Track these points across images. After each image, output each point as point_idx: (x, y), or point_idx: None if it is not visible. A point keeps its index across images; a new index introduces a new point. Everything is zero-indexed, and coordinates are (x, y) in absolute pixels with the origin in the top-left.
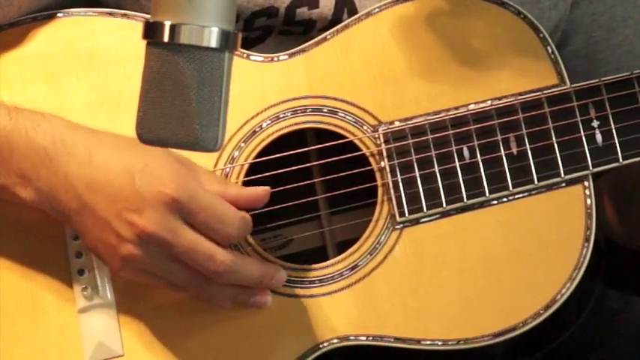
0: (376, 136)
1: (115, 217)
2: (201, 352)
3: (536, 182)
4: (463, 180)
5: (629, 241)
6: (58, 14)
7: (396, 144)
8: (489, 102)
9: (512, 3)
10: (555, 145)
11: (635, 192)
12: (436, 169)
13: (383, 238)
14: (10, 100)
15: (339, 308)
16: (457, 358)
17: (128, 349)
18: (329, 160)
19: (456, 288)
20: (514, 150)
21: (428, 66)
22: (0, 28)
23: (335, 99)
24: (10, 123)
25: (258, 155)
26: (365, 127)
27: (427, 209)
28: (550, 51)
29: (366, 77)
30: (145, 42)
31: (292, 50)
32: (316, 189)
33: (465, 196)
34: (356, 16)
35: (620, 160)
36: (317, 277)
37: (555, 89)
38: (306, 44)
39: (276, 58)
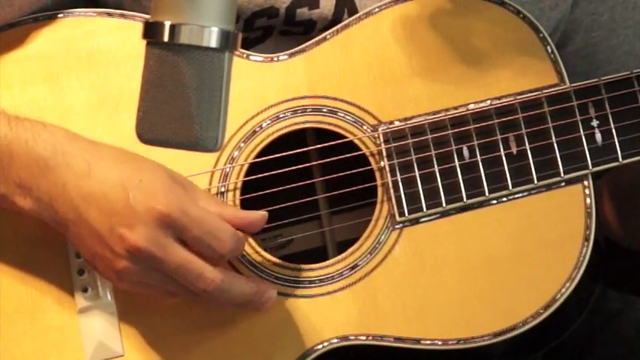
0: (376, 135)
1: (108, 231)
2: (201, 352)
3: (535, 182)
4: (463, 180)
5: (631, 242)
6: (59, 15)
7: (396, 144)
8: (489, 101)
9: (512, 3)
10: (555, 145)
11: (634, 192)
12: (436, 168)
13: (383, 237)
14: (11, 101)
15: (338, 308)
16: (457, 358)
17: (128, 349)
18: (329, 160)
19: (455, 287)
20: (514, 149)
21: (428, 66)
22: (0, 29)
23: (335, 99)
24: (10, 132)
25: (258, 155)
26: (365, 127)
27: (427, 209)
28: (550, 50)
29: (366, 77)
30: (144, 42)
31: (292, 50)
32: (316, 189)
33: (464, 195)
34: (356, 15)
35: (620, 159)
36: (317, 276)
37: (555, 89)
38: (306, 44)
39: (275, 58)
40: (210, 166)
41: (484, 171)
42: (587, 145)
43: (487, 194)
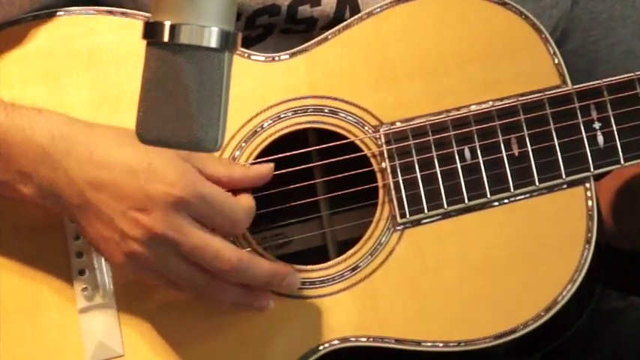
0: (377, 136)
1: (120, 214)
2: (201, 353)
3: (537, 183)
4: (464, 181)
5: (622, 242)
6: (59, 13)
7: (397, 145)
8: (491, 103)
9: (514, 3)
10: (557, 147)
11: (629, 193)
12: (437, 170)
13: (384, 239)
14: (11, 99)
15: (339, 309)
16: (457, 358)
17: (128, 349)
18: (330, 160)
19: (457, 289)
20: (515, 151)
21: (429, 66)
22: (0, 27)
23: (336, 99)
24: (6, 120)
25: (259, 155)
26: (366, 128)
27: (428, 210)
28: (552, 52)
29: (368, 77)
30: (144, 42)
31: (293, 50)
32: (317, 189)
33: (466, 197)
34: (357, 15)
35: (622, 161)
36: (317, 278)
37: (557, 90)
38: (308, 44)
39: (277, 58)
40: None
41: (486, 172)
42: (589, 147)
43: (489, 196)
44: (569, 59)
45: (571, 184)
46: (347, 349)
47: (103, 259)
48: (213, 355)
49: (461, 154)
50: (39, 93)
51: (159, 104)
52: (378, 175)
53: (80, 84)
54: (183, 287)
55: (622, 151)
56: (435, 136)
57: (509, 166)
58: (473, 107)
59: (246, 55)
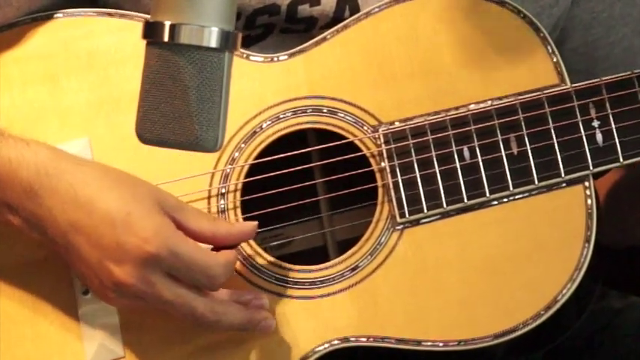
0: (376, 136)
1: (97, 262)
2: (201, 354)
3: (536, 182)
4: (463, 180)
5: (617, 242)
6: (57, 15)
7: (397, 144)
8: (490, 102)
9: (513, 2)
10: (556, 145)
11: (622, 193)
12: (436, 169)
13: (383, 239)
14: (11, 101)
15: (339, 309)
16: (458, 359)
17: (129, 351)
18: (329, 160)
19: (456, 289)
20: (514, 150)
21: (428, 66)
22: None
23: (335, 99)
24: None
25: (259, 156)
26: (365, 128)
27: (427, 210)
28: (550, 50)
29: (366, 77)
30: (144, 42)
31: (292, 50)
32: (317, 189)
33: (465, 196)
34: (355, 15)
35: (621, 160)
36: (317, 278)
37: (556, 89)
38: (306, 44)
39: (275, 59)
40: (211, 167)
41: (485, 172)
42: (588, 145)
43: (488, 195)
44: (570, 58)
45: (570, 183)
46: (347, 349)
47: None
48: (213, 356)
49: (460, 153)
50: (38, 95)
51: (159, 104)
52: (378, 175)
53: (79, 86)
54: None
55: (621, 150)
56: (434, 136)
57: (508, 166)
58: (472, 107)
59: (244, 55)
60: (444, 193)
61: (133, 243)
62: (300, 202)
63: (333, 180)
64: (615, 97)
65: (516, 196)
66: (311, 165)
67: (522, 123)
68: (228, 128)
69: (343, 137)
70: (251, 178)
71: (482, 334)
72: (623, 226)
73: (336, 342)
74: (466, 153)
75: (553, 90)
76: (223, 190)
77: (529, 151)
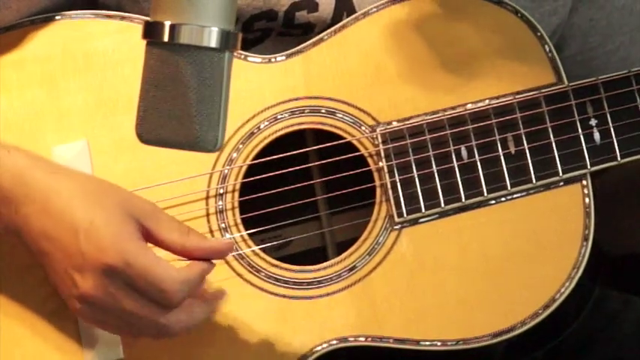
0: (374, 136)
1: (63, 271)
2: (200, 355)
3: (534, 181)
4: (461, 180)
5: (612, 246)
6: (56, 17)
7: (394, 144)
8: (487, 101)
9: (510, 2)
10: (553, 144)
11: (616, 195)
12: (434, 169)
13: (381, 238)
14: (8, 103)
15: (337, 309)
16: (457, 359)
17: (128, 352)
18: (327, 160)
19: (454, 288)
20: (512, 149)
21: (425, 66)
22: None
23: (333, 99)
24: None
25: (257, 156)
26: (363, 128)
27: (425, 209)
28: (547, 50)
29: (364, 77)
30: (144, 42)
31: (290, 51)
32: (315, 190)
33: (463, 196)
34: (353, 16)
35: (619, 158)
36: (315, 278)
37: (553, 88)
38: (304, 45)
39: (273, 59)
40: (209, 168)
41: (482, 171)
42: (586, 144)
43: (485, 194)
44: (567, 65)
45: (568, 182)
46: (345, 349)
47: None
48: (212, 357)
49: (457, 152)
50: (36, 97)
51: (159, 104)
52: (375, 175)
53: (77, 88)
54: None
55: (619, 148)
56: (431, 135)
57: (505, 165)
58: (469, 106)
59: (242, 56)
60: (442, 192)
61: (91, 253)
62: (299, 203)
63: (331, 180)
64: (612, 96)
65: (514, 195)
66: (309, 165)
67: (520, 122)
68: (226, 129)
69: (341, 137)
70: (249, 179)
71: (480, 333)
72: (620, 226)
73: (334, 342)
74: (464, 152)
75: (550, 89)
76: (221, 191)
77: (526, 150)
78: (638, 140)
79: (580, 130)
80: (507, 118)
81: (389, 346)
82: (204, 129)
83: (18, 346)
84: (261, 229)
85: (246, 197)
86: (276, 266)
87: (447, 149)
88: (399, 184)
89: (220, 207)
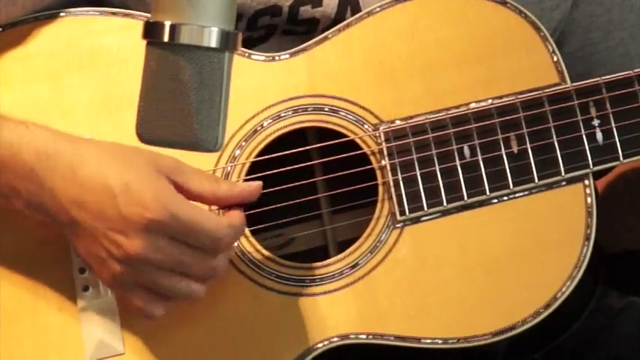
0: (377, 134)
1: (102, 235)
2: (202, 350)
3: (536, 181)
4: (464, 178)
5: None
6: (61, 13)
7: (397, 142)
8: (490, 100)
9: (514, 2)
10: (556, 144)
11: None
12: (437, 167)
13: (384, 236)
14: (12, 99)
15: (339, 306)
16: (458, 357)
17: (129, 347)
18: (330, 158)
19: (456, 286)
20: (515, 149)
21: (429, 65)
22: (3, 27)
23: (336, 98)
24: None
25: (260, 154)
26: (366, 126)
27: (428, 208)
28: (551, 50)
29: (367, 76)
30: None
31: (293, 49)
32: (317, 188)
33: (465, 194)
34: (357, 15)
35: (621, 158)
36: (318, 275)
37: (556, 88)
38: (307, 43)
39: (277, 57)
40: (212, 165)
41: (485, 170)
42: (588, 144)
43: (488, 193)
44: (568, 61)
45: (570, 181)
46: (347, 346)
47: None
48: (214, 352)
49: (460, 151)
50: (40, 93)
51: (159, 104)
52: (378, 173)
53: (82, 84)
54: (173, 298)
55: (621, 148)
56: (434, 134)
57: (508, 164)
58: (472, 105)
59: (246, 54)
60: (445, 190)
61: (134, 212)
62: (301, 200)
63: (333, 179)
64: (615, 96)
65: (516, 195)
66: (312, 163)
67: (522, 121)
68: (229, 126)
69: (344, 135)
70: (252, 176)
71: (481, 331)
72: (622, 225)
73: (335, 339)
74: (466, 151)
75: (553, 89)
76: None
77: (529, 150)
78: None
79: (583, 130)
80: (510, 117)
81: (390, 344)
82: (204, 129)
83: (19, 341)
84: (263, 226)
85: None
86: (278, 263)
87: (450, 148)
88: (401, 183)
89: None
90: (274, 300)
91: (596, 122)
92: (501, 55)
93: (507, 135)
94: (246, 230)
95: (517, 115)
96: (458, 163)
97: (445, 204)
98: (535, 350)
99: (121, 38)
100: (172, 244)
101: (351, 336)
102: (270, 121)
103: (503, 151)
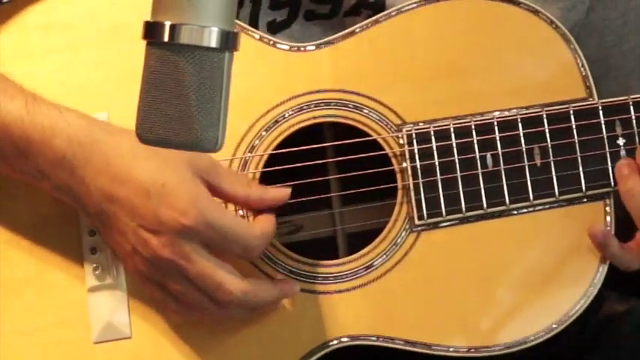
0: (400, 135)
1: (132, 231)
2: (209, 342)
3: (557, 196)
4: (484, 188)
5: None
6: None
7: (420, 146)
8: (515, 110)
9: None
10: (579, 160)
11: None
12: (458, 174)
13: (400, 239)
14: (31, 69)
15: (351, 307)
16: None
17: (136, 331)
18: (350, 157)
19: (470, 296)
20: (537, 161)
21: (456, 69)
22: None
23: (360, 94)
24: (27, 116)
25: (279, 146)
26: (389, 126)
27: (446, 214)
28: (580, 64)
29: (393, 75)
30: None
31: (319, 41)
32: (331, 183)
33: (485, 203)
34: (386, 12)
35: None
36: (331, 273)
37: (583, 103)
38: (334, 36)
39: (302, 48)
40: (230, 154)
41: (506, 181)
42: (612, 163)
43: (508, 204)
44: None
45: (591, 199)
46: (356, 347)
47: None
48: (222, 343)
49: (483, 160)
50: (58, 65)
51: (159, 104)
52: (398, 176)
53: (100, 59)
54: (191, 308)
55: None
56: (458, 140)
57: (530, 176)
58: (497, 114)
59: (271, 42)
60: (464, 198)
61: (169, 215)
62: (316, 197)
63: (347, 176)
64: None
65: (536, 208)
66: (331, 160)
67: (547, 134)
68: (250, 114)
69: (364, 133)
70: (269, 169)
71: (493, 342)
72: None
73: (345, 339)
74: (489, 160)
75: (580, 104)
76: None
77: (552, 164)
78: None
79: (607, 148)
80: (535, 129)
81: (400, 348)
82: (204, 129)
83: (25, 318)
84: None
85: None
86: (292, 259)
87: (473, 155)
88: (421, 187)
89: None
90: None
91: (621, 141)
92: (530, 65)
93: (531, 147)
94: None
95: (542, 128)
96: (480, 171)
97: (464, 212)
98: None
99: (143, 15)
100: (200, 253)
101: (361, 337)
102: (291, 112)
103: (526, 163)
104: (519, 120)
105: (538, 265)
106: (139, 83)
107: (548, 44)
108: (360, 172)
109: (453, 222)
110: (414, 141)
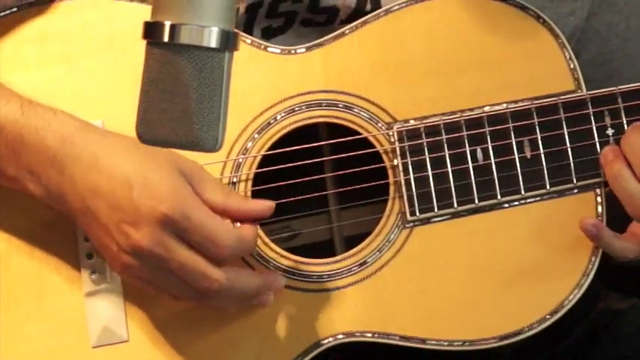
0: (390, 133)
1: (114, 226)
2: (205, 343)
3: (548, 187)
4: (475, 181)
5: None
6: None
7: (410, 142)
8: (505, 105)
9: (533, 8)
10: (569, 151)
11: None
12: (449, 169)
13: (393, 236)
14: (27, 80)
15: (345, 304)
16: (462, 358)
17: (133, 335)
18: (342, 155)
19: (463, 289)
20: (528, 154)
21: (445, 66)
22: (19, 8)
23: (350, 94)
24: (22, 118)
25: (271, 147)
26: (379, 125)
27: (438, 209)
28: (568, 57)
29: (383, 74)
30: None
31: (310, 44)
32: (326, 183)
33: (476, 197)
34: (375, 12)
35: None
36: (325, 271)
37: (571, 95)
38: (324, 38)
39: (293, 51)
40: (223, 156)
41: (497, 174)
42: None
43: (499, 197)
44: (586, 69)
45: (582, 189)
46: (351, 343)
47: None
48: (218, 343)
49: (473, 154)
50: (55, 75)
51: (159, 104)
52: (390, 172)
53: (96, 69)
54: (180, 297)
55: None
56: (447, 136)
57: (520, 169)
58: (487, 108)
59: (262, 46)
60: (456, 192)
61: (148, 205)
62: (311, 196)
63: (343, 175)
64: (631, 107)
65: (527, 200)
66: (324, 159)
67: (537, 127)
68: (243, 118)
69: (356, 132)
70: (263, 169)
71: (487, 335)
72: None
73: (340, 336)
74: (479, 154)
75: (569, 96)
76: (235, 180)
77: (542, 156)
78: None
79: (596, 139)
80: (524, 122)
81: (395, 343)
82: (204, 129)
83: (23, 324)
84: (270, 220)
85: (258, 187)
86: (285, 258)
87: (463, 150)
88: (412, 183)
89: None
90: (281, 295)
91: (610, 131)
92: (518, 60)
93: (521, 140)
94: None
95: (531, 121)
96: (470, 165)
97: (456, 206)
98: (540, 353)
99: (137, 24)
100: (177, 243)
101: (357, 334)
102: (283, 114)
103: (516, 156)
104: (509, 114)
105: (531, 257)
106: (134, 92)
107: (535, 39)
108: (353, 170)
109: (445, 217)
110: (405, 138)
